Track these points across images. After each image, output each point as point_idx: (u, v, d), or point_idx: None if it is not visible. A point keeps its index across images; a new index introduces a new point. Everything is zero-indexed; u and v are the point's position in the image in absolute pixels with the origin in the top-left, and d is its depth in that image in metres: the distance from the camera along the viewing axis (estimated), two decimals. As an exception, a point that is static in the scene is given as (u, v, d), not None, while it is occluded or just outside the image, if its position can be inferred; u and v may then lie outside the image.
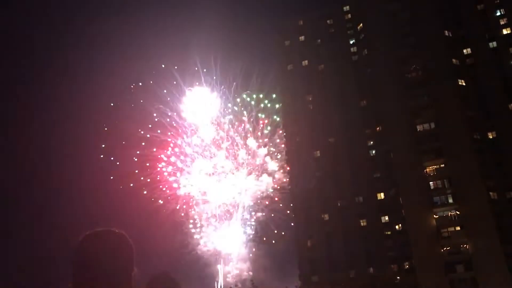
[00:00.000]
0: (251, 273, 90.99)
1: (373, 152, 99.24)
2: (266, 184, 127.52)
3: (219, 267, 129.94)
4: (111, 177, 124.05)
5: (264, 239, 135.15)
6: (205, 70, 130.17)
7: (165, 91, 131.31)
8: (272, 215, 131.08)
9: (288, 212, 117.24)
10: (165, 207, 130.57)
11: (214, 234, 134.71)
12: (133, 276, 3.82)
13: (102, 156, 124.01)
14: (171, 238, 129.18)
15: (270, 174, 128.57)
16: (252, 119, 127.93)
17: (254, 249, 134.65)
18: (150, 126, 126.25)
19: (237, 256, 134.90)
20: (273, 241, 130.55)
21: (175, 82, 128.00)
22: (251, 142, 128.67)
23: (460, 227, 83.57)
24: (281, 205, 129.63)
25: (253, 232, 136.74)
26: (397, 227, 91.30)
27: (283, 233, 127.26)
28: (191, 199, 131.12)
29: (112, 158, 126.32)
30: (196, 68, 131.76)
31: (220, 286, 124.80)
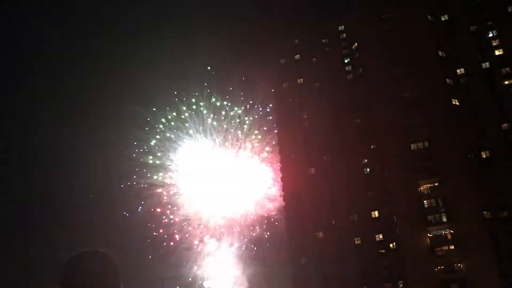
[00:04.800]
0: None
1: (368, 170, 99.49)
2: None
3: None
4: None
5: (259, 257, 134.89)
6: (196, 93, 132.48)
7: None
8: (268, 233, 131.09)
9: (282, 230, 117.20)
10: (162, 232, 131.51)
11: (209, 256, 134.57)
12: None
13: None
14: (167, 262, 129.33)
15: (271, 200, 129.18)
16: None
17: (248, 268, 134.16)
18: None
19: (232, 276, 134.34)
20: (267, 260, 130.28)
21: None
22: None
23: (454, 246, 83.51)
24: (276, 223, 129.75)
25: (248, 251, 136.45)
26: (391, 245, 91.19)
27: (277, 251, 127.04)
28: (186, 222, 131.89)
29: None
30: (196, 94, 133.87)
31: None
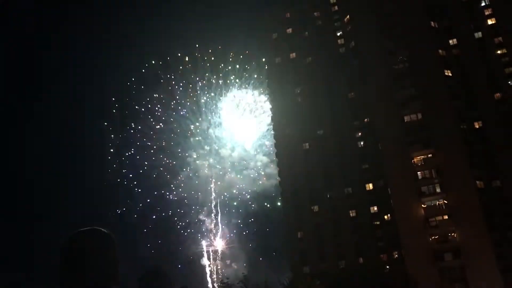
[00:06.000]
0: (244, 272, 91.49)
1: (362, 143, 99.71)
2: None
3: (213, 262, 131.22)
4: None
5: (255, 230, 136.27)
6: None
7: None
8: (264, 209, 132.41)
9: (279, 204, 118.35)
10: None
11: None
12: (119, 271, 3.98)
13: None
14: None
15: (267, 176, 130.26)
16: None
17: (246, 244, 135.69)
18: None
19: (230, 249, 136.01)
20: (265, 234, 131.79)
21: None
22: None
23: (448, 216, 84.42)
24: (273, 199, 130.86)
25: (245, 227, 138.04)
26: (386, 217, 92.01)
27: (274, 225, 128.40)
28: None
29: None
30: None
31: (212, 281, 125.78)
